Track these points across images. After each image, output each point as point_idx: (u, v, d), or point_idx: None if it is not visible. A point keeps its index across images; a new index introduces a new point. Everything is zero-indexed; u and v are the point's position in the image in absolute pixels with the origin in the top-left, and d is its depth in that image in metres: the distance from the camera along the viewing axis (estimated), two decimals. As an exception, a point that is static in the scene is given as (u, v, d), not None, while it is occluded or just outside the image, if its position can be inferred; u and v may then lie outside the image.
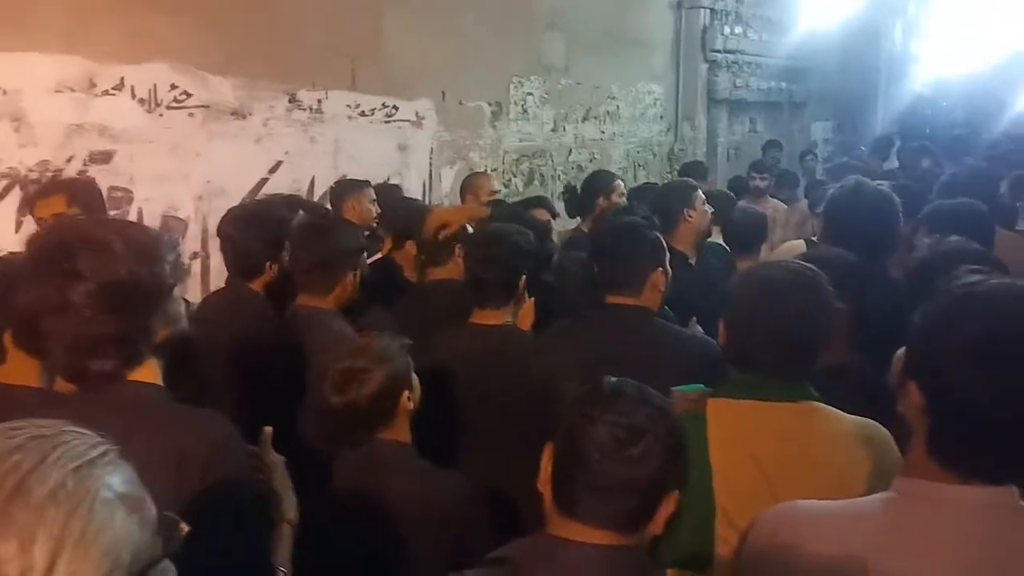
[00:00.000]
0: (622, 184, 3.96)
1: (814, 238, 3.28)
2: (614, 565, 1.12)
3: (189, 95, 3.65)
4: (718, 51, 7.22)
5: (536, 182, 5.65)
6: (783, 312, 1.44)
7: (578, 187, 4.17)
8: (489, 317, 2.23)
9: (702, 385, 1.54)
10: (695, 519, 1.42)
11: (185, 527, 0.82)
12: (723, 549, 1.42)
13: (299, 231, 2.33)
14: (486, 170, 4.86)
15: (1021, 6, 12.67)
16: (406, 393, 1.74)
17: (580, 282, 2.76)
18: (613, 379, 1.20)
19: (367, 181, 3.70)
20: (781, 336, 1.44)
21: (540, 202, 3.61)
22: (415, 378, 1.78)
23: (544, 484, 1.18)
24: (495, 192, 4.02)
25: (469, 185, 3.97)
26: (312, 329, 2.17)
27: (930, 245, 2.16)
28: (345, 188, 3.62)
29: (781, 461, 1.41)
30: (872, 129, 10.17)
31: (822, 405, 1.47)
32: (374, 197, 3.54)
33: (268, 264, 2.41)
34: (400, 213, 3.22)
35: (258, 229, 2.43)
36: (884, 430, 1.45)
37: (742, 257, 3.46)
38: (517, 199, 5.23)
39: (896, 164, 7.45)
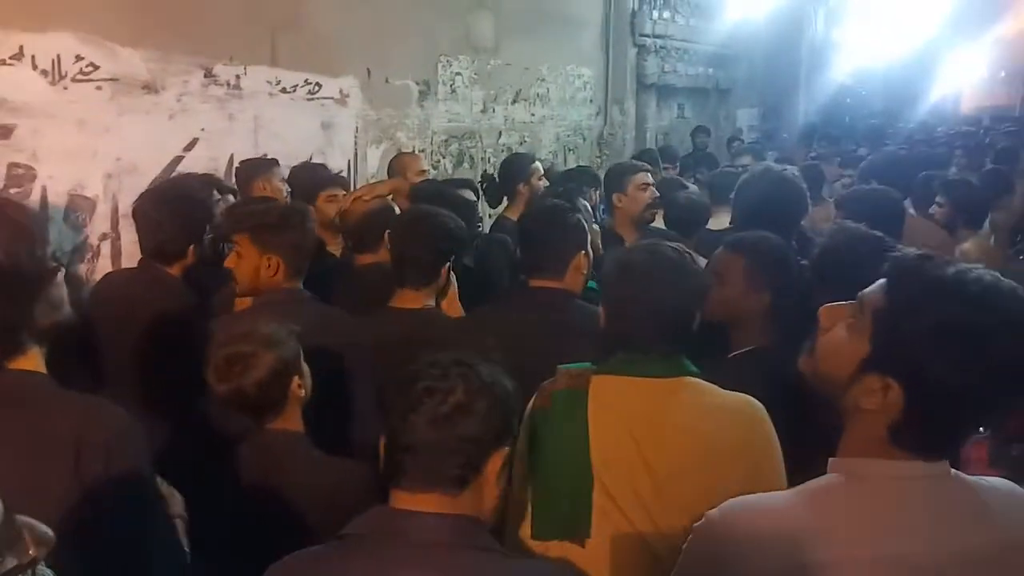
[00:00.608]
0: (540, 167, 3.93)
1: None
2: (446, 531, 1.13)
3: (96, 67, 3.46)
4: (647, 35, 7.27)
5: (466, 164, 5.59)
6: (648, 292, 1.52)
7: (495, 175, 4.13)
8: (409, 300, 2.19)
9: (590, 364, 1.58)
10: (573, 490, 1.48)
11: (50, 535, 0.75)
12: (599, 518, 1.47)
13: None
14: (414, 151, 4.78)
15: (935, -1, 13.18)
16: (296, 379, 1.67)
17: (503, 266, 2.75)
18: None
19: (275, 160, 3.58)
20: (649, 315, 1.52)
21: (466, 184, 3.56)
22: (306, 366, 1.72)
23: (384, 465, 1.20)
24: (424, 172, 3.94)
25: (397, 165, 3.89)
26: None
27: (830, 232, 2.21)
28: (254, 168, 3.47)
29: (653, 433, 1.47)
30: (795, 116, 10.45)
31: (696, 380, 1.53)
32: (284, 176, 3.43)
33: (190, 247, 2.32)
34: (302, 178, 3.18)
35: (180, 210, 2.33)
36: (759, 405, 1.51)
37: (683, 241, 3.51)
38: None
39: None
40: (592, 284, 2.20)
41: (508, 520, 1.60)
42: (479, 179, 5.17)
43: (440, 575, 1.11)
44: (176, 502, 1.50)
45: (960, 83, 16.47)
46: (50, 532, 0.74)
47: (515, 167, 3.84)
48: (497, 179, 4.00)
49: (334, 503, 1.46)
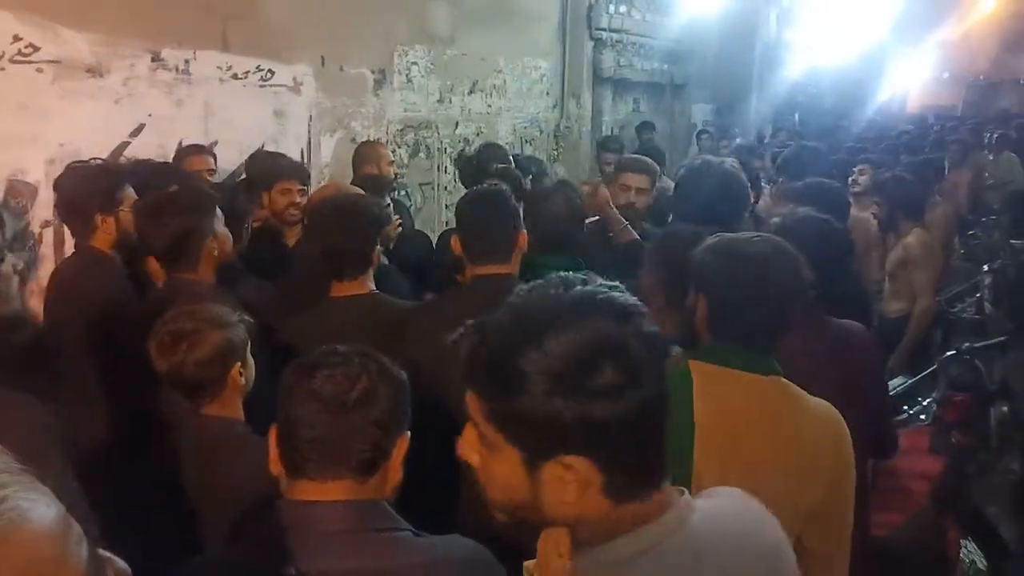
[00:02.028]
0: (512, 159, 3.97)
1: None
2: (353, 518, 1.13)
3: (36, 48, 3.34)
4: (603, 29, 7.30)
5: (422, 154, 5.55)
6: (767, 286, 1.48)
7: (473, 157, 4.11)
8: (350, 288, 2.16)
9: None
10: (677, 450, 1.42)
11: (127, 570, 0.73)
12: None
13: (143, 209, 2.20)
14: (369, 139, 4.72)
15: (882, 1, 13.51)
16: (238, 366, 1.63)
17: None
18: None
19: (203, 145, 3.60)
20: (763, 309, 1.48)
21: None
22: (251, 359, 1.69)
23: (274, 461, 1.19)
24: (391, 161, 3.92)
25: (369, 155, 3.81)
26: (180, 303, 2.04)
27: (783, 216, 2.25)
28: (184, 152, 3.51)
29: (754, 430, 1.45)
30: (749, 113, 10.61)
31: (788, 382, 1.50)
32: (212, 165, 3.43)
33: (99, 217, 2.29)
34: (258, 167, 3.13)
35: (86, 178, 2.33)
36: (835, 410, 1.50)
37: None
38: (403, 170, 5.16)
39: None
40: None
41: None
42: (454, 159, 5.17)
43: (349, 561, 1.10)
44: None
45: (906, 84, 16.92)
46: (127, 567, 0.72)
47: (496, 152, 3.83)
48: (475, 163, 3.98)
49: (271, 490, 1.44)
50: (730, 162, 2.86)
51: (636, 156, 3.67)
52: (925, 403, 3.49)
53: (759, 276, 1.48)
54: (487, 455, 0.89)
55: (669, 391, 0.88)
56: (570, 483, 0.84)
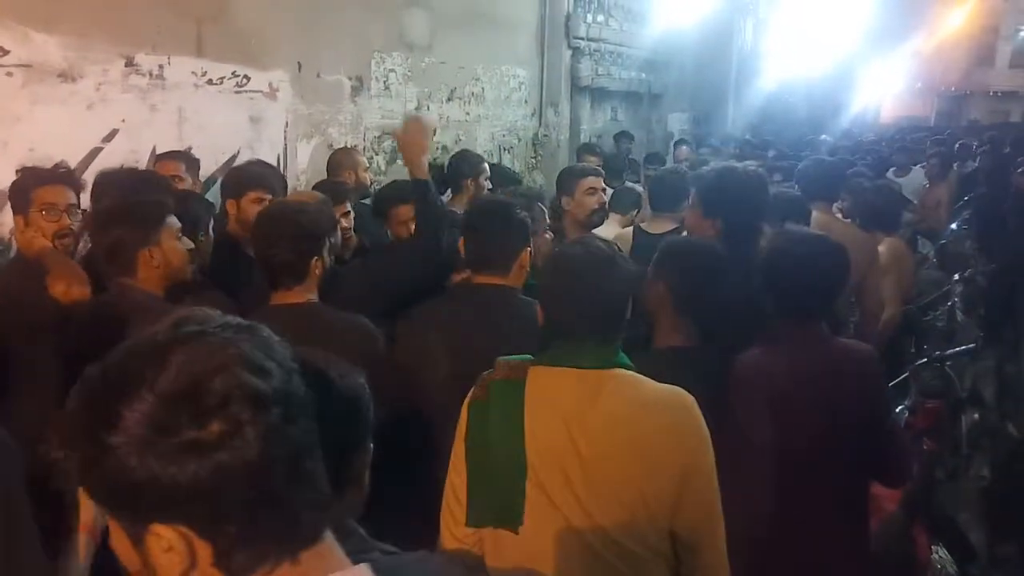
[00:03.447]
0: (488, 168, 3.97)
1: (643, 224, 3.43)
2: None
3: (6, 52, 3.29)
4: (581, 38, 7.34)
5: (399, 161, 5.52)
6: (579, 284, 1.56)
7: (444, 167, 4.11)
8: (287, 297, 2.12)
9: (530, 356, 1.61)
10: (506, 479, 1.50)
11: None
12: (532, 507, 1.49)
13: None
14: (346, 146, 4.70)
15: (857, 10, 13.72)
16: None
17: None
18: None
19: (179, 151, 3.61)
20: (579, 306, 1.56)
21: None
22: None
23: None
24: (367, 168, 3.92)
25: (346, 162, 3.79)
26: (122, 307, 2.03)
27: (776, 234, 2.27)
28: (160, 157, 3.52)
29: (584, 423, 1.49)
30: (725, 122, 10.72)
31: (629, 372, 1.56)
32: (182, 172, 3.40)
33: (19, 218, 2.33)
34: (231, 175, 3.12)
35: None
36: (688, 396, 1.54)
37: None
38: (380, 177, 5.15)
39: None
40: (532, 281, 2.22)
41: (443, 505, 1.61)
42: (429, 169, 5.13)
43: None
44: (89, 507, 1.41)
45: (880, 94, 17.17)
46: None
47: (466, 162, 3.88)
48: (445, 171, 3.98)
49: None
50: (751, 164, 2.88)
51: (584, 164, 4.18)
52: (897, 410, 3.54)
53: (570, 277, 1.58)
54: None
55: (302, 440, 0.76)
56: (172, 556, 0.73)
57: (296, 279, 2.11)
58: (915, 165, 7.93)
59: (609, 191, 3.77)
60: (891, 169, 7.82)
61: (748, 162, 3.27)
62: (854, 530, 2.07)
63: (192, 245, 2.28)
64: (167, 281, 2.18)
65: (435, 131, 3.27)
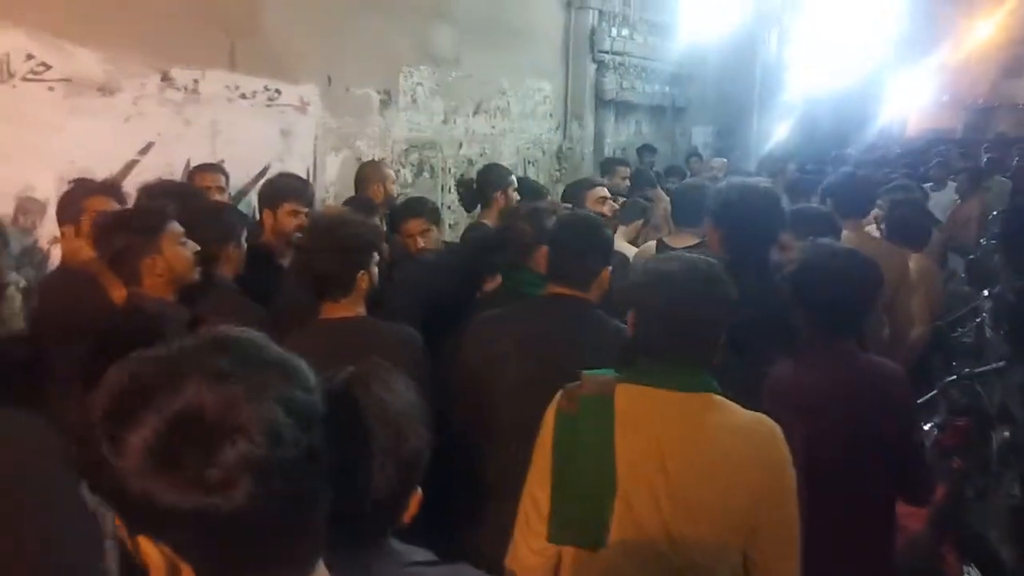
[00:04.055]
0: (515, 180, 4.00)
1: (666, 239, 3.43)
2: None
3: (48, 67, 3.39)
4: (606, 52, 7.37)
5: (426, 174, 5.59)
6: (682, 304, 1.52)
7: (473, 181, 4.15)
8: (336, 310, 2.15)
9: (612, 370, 1.59)
10: (595, 497, 1.48)
11: None
12: (616, 526, 1.48)
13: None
14: (374, 159, 4.76)
15: (883, 22, 13.64)
16: None
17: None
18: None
19: (215, 164, 3.70)
20: (680, 327, 1.52)
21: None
22: None
23: None
24: (394, 181, 3.96)
25: (374, 175, 3.85)
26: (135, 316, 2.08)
27: (804, 248, 2.27)
28: (198, 168, 3.60)
29: (678, 447, 1.48)
30: (750, 135, 10.68)
31: (719, 397, 1.54)
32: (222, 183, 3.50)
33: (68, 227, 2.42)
34: (267, 187, 3.16)
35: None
36: (774, 425, 1.53)
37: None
38: (407, 190, 5.20)
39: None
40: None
41: (520, 516, 1.59)
42: (455, 184, 5.21)
43: None
44: (107, 519, 1.44)
45: (906, 107, 17.03)
46: None
47: (494, 175, 3.89)
48: (475, 185, 4.02)
49: None
50: (763, 181, 2.89)
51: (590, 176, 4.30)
52: (926, 428, 3.50)
53: (672, 295, 1.53)
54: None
55: (300, 498, 0.75)
56: (155, 567, 0.74)
57: (343, 292, 2.13)
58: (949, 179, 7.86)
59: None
60: (927, 184, 7.74)
61: (759, 178, 3.27)
62: (879, 547, 2.06)
63: (197, 248, 2.28)
64: (175, 286, 2.21)
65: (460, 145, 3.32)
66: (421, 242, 3.13)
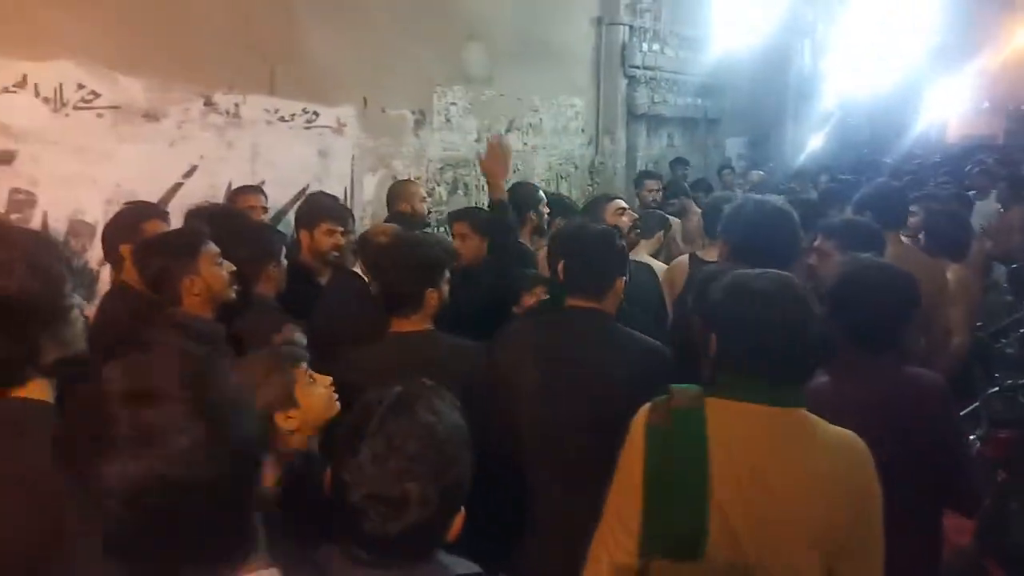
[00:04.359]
0: (544, 197, 4.05)
1: (699, 252, 3.43)
2: None
3: (98, 95, 3.52)
4: (637, 67, 7.40)
5: (460, 191, 5.66)
6: (777, 320, 1.52)
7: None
8: (405, 325, 2.25)
9: (696, 385, 1.59)
10: (692, 511, 1.48)
11: None
12: (715, 547, 1.47)
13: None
14: (410, 178, 4.84)
15: (920, 29, 13.46)
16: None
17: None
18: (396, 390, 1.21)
19: (256, 185, 3.86)
20: (775, 343, 1.52)
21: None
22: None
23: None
24: (424, 199, 4.03)
25: (402, 194, 3.94)
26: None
27: (843, 262, 2.27)
28: (241, 190, 3.76)
29: (774, 462, 1.48)
30: (784, 146, 10.59)
31: (808, 413, 1.54)
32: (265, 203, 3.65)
33: (122, 248, 2.50)
34: (304, 207, 3.26)
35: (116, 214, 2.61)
36: (862, 443, 1.54)
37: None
38: (441, 208, 5.27)
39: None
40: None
41: (602, 532, 1.60)
42: (488, 204, 5.24)
43: None
44: None
45: (945, 113, 16.74)
46: None
47: (524, 195, 3.89)
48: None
49: None
50: (778, 199, 2.90)
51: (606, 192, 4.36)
52: (969, 439, 3.45)
53: (764, 312, 1.52)
54: None
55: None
56: None
57: (413, 308, 2.22)
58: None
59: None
60: (971, 192, 7.60)
61: (771, 195, 3.28)
62: (924, 560, 2.04)
63: (233, 268, 2.36)
64: (213, 304, 2.29)
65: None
66: (458, 243, 3.21)
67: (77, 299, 1.35)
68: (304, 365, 1.82)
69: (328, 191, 4.23)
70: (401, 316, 2.24)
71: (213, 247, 2.31)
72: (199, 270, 2.25)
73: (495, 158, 2.99)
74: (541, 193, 4.04)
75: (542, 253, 3.19)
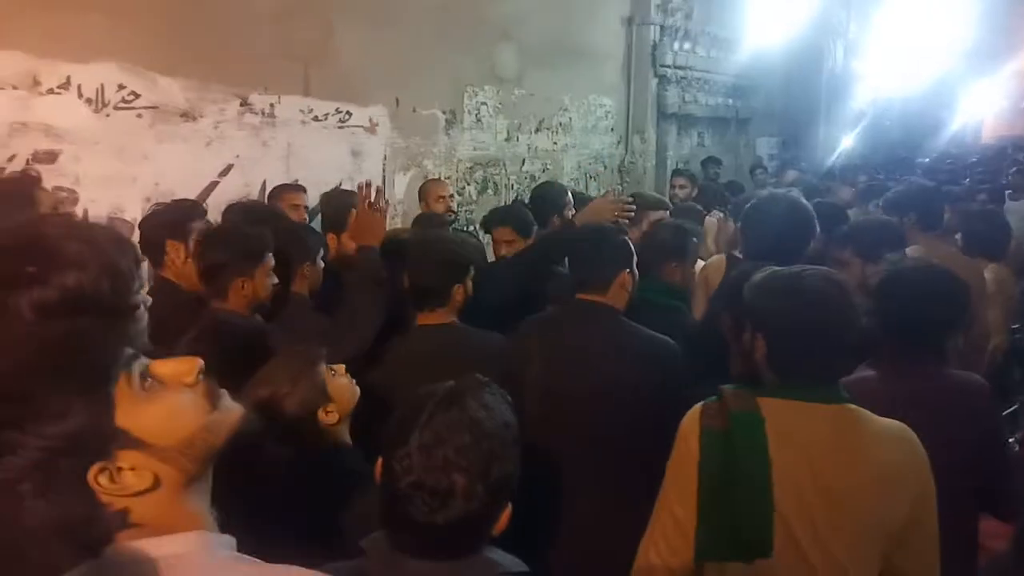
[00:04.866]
0: (571, 199, 4.00)
1: (736, 252, 3.40)
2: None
3: (137, 96, 3.60)
4: (667, 66, 7.37)
5: (490, 191, 5.68)
6: (826, 320, 1.51)
7: (525, 201, 4.16)
8: (431, 318, 2.31)
9: (743, 385, 1.59)
10: (756, 514, 1.47)
11: None
12: (779, 547, 1.47)
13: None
14: (440, 177, 4.88)
15: (955, 29, 13.25)
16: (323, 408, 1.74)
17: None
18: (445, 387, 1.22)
19: (297, 184, 3.87)
20: (828, 343, 1.52)
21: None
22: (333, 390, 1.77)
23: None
24: (445, 197, 4.02)
25: (430, 192, 4.00)
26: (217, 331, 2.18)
27: (894, 262, 2.26)
28: (283, 188, 3.75)
29: (835, 458, 1.48)
30: (815, 145, 10.48)
31: (857, 407, 1.54)
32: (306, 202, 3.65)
33: (169, 243, 2.50)
34: (333, 206, 3.29)
35: (158, 211, 2.62)
36: (912, 432, 1.53)
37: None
38: (471, 206, 5.30)
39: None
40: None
41: (653, 535, 1.59)
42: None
43: None
44: None
45: (980, 113, 16.45)
46: None
47: (550, 197, 3.74)
48: (530, 207, 4.02)
49: None
50: (795, 191, 2.88)
51: (648, 193, 4.31)
52: (1010, 444, 3.39)
53: (817, 311, 1.51)
54: None
55: None
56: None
57: (440, 303, 2.29)
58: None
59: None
60: (1008, 191, 7.47)
61: (793, 190, 3.26)
62: (960, 566, 2.01)
63: (276, 281, 2.39)
64: (251, 306, 2.32)
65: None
66: (504, 250, 3.14)
67: (142, 296, 1.38)
68: (271, 261, 2.12)
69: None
70: (428, 309, 2.30)
71: (271, 260, 2.35)
72: (254, 275, 2.29)
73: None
74: (569, 196, 3.97)
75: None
